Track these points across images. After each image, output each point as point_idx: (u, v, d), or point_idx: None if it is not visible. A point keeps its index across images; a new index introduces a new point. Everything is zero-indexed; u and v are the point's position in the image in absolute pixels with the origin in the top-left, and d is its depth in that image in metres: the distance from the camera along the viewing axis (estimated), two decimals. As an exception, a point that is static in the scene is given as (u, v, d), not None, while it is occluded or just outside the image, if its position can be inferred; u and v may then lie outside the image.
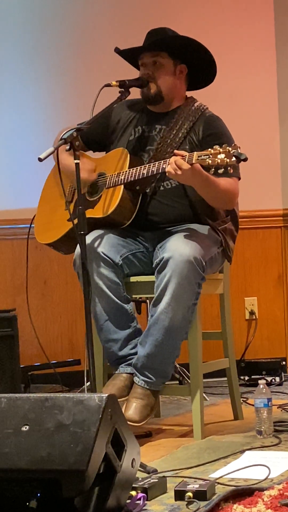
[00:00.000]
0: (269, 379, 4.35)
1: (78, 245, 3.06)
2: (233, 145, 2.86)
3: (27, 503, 1.91)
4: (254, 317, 4.87)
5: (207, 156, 2.86)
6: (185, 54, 3.26)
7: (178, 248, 2.97)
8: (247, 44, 4.91)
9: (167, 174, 2.98)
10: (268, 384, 4.07)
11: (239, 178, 3.19)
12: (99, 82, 3.13)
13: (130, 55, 3.32)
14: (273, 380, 4.38)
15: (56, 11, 4.75)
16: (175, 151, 3.02)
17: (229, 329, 3.42)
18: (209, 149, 2.88)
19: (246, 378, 4.46)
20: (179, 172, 2.91)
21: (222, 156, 2.83)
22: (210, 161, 2.85)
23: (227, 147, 2.84)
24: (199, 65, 3.30)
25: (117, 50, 3.30)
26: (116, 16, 4.77)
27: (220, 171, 2.86)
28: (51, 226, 3.39)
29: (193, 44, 3.24)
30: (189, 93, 3.38)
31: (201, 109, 3.28)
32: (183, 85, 3.33)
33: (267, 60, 4.94)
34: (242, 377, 4.41)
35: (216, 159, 2.84)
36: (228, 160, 2.83)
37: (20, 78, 4.71)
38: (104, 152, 3.41)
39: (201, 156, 2.89)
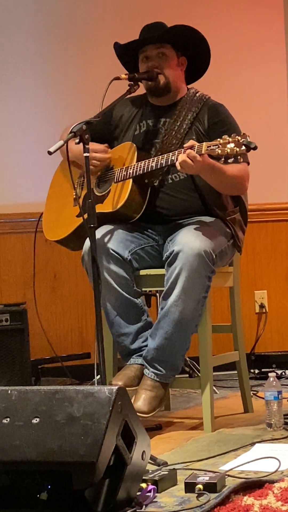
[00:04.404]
0: (279, 372, 4.34)
1: (86, 241, 3.06)
2: (242, 134, 2.83)
3: (38, 495, 1.92)
4: (264, 310, 4.87)
5: (217, 146, 2.84)
6: (186, 47, 3.26)
7: (188, 241, 2.97)
8: (256, 36, 4.89)
9: (178, 167, 2.94)
10: (278, 377, 4.08)
11: (248, 163, 3.17)
12: (107, 75, 3.12)
13: (128, 51, 3.29)
14: (283, 373, 4.37)
15: (63, 5, 4.76)
16: (185, 145, 2.99)
17: (239, 322, 3.42)
18: (218, 139, 2.85)
19: (256, 371, 4.46)
20: (191, 163, 2.89)
21: (231, 145, 2.81)
22: (219, 151, 2.83)
23: (236, 136, 2.81)
24: (196, 58, 3.30)
25: (117, 45, 3.29)
26: (122, 11, 4.76)
27: (230, 160, 2.83)
28: (60, 223, 3.38)
29: (195, 36, 3.23)
30: (193, 85, 3.37)
31: (203, 98, 3.27)
32: (183, 77, 3.32)
33: (276, 52, 4.93)
34: (252, 370, 4.41)
35: (226, 149, 2.82)
36: (237, 149, 2.80)
37: (28, 72, 4.72)
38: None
39: (210, 146, 2.86)
